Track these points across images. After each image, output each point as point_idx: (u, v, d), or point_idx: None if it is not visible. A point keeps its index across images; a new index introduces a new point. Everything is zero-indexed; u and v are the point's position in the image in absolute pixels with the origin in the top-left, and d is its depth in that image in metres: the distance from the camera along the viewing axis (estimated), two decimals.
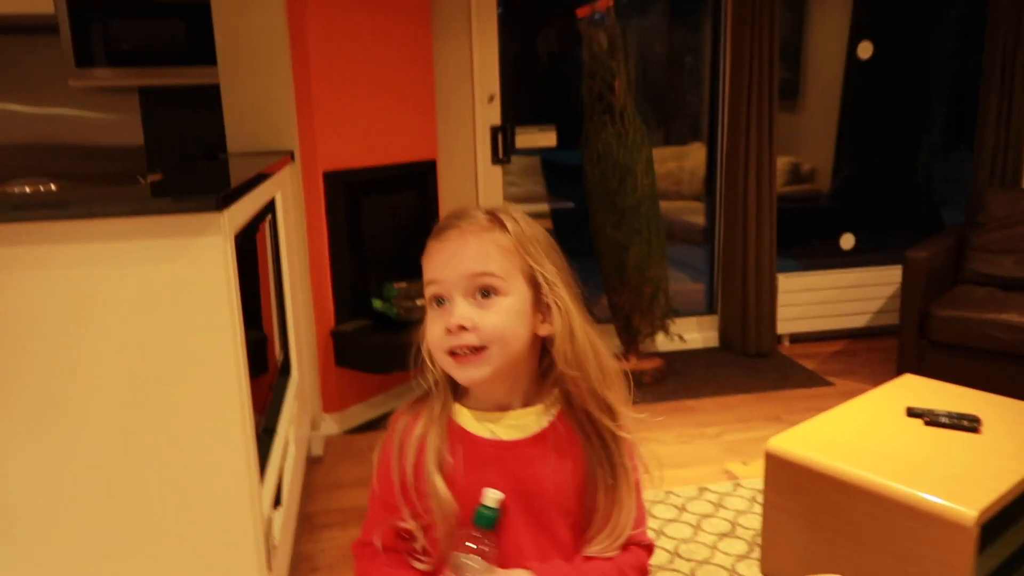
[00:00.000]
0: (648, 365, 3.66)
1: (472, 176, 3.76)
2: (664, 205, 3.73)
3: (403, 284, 3.19)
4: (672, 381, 3.67)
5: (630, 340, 3.71)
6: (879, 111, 4.74)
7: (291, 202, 2.91)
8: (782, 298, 4.05)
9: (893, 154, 5.00)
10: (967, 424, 2.07)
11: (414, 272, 3.48)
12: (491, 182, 3.79)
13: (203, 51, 3.17)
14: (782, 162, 4.84)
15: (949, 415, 2.11)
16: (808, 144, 5.04)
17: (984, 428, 2.08)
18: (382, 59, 3.17)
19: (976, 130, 4.08)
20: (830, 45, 4.74)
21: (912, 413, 2.16)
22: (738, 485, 2.68)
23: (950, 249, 3.59)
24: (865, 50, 4.22)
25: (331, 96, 2.99)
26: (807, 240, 4.64)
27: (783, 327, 4.11)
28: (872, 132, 4.86)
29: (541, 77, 4.38)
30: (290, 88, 2.92)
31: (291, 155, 2.89)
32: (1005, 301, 3.27)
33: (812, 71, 4.87)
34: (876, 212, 4.84)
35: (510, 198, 5.56)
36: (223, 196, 1.47)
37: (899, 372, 3.40)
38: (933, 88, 5.04)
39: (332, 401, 3.17)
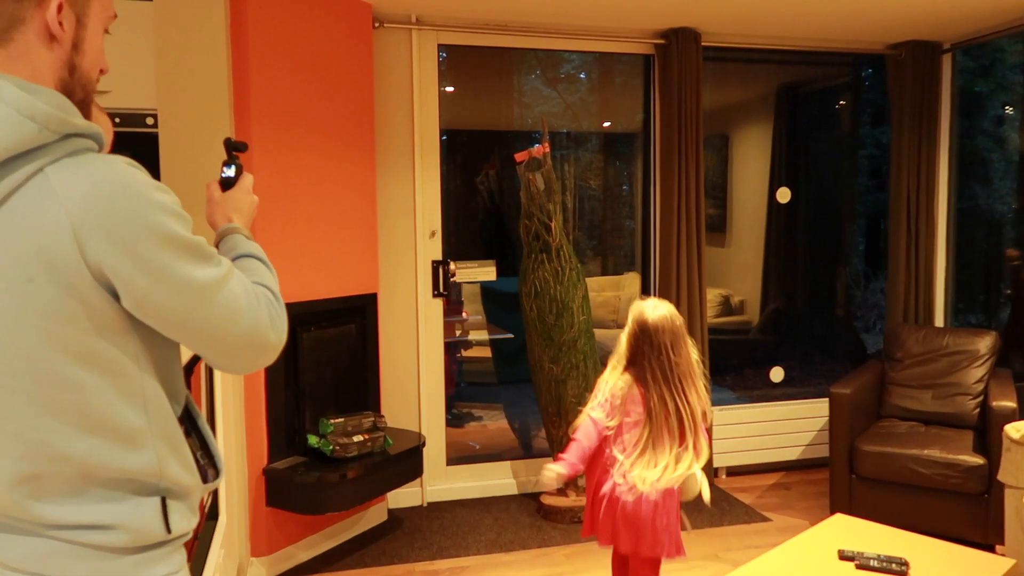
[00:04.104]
0: None
1: (413, 309, 3.81)
2: (602, 333, 3.83)
3: (339, 419, 3.15)
4: None
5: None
6: (801, 248, 5.04)
7: None
8: (718, 431, 4.12)
9: (816, 288, 5.28)
10: (895, 568, 2.10)
11: (352, 406, 3.44)
12: (432, 315, 3.84)
13: None
14: (713, 294, 5.05)
15: (879, 558, 2.15)
16: (737, 277, 5.29)
17: (911, 572, 2.12)
18: (326, 195, 3.26)
19: (888, 270, 4.36)
20: (753, 186, 5.08)
21: (844, 556, 2.19)
22: None
23: (872, 384, 3.75)
24: (784, 195, 4.53)
25: (274, 232, 3.04)
26: (740, 370, 4.78)
27: (719, 460, 4.16)
28: (795, 267, 5.15)
29: (481, 212, 4.55)
30: None
31: None
32: (926, 436, 3.40)
33: (738, 209, 5.19)
34: (803, 344, 5.04)
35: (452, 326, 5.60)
36: None
37: (831, 507, 3.46)
38: (850, 223, 5.40)
39: (261, 544, 3.04)
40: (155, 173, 3.06)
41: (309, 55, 3.16)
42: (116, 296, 0.97)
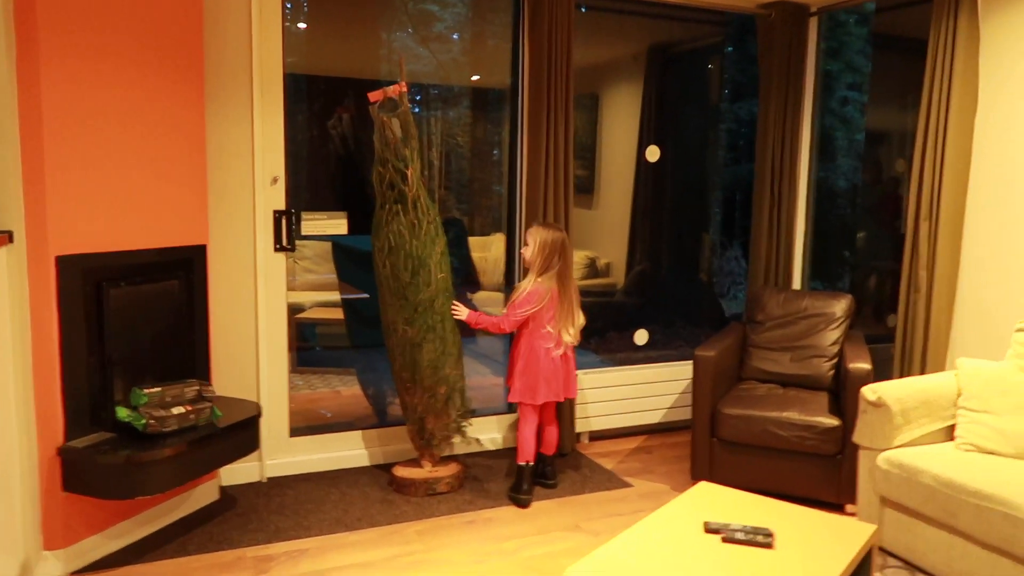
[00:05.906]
0: (443, 472, 3.39)
1: (251, 264, 3.38)
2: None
3: (155, 389, 2.72)
4: (469, 488, 3.41)
5: (424, 444, 3.42)
6: (667, 212, 4.97)
7: (7, 292, 2.38)
8: (580, 395, 3.98)
9: (680, 252, 5.26)
10: (761, 540, 1.99)
11: (176, 374, 3.00)
12: (273, 271, 3.43)
13: None
14: (579, 256, 4.90)
15: (744, 529, 2.03)
16: (604, 239, 5.17)
17: (777, 542, 2.02)
18: (142, 134, 2.77)
19: (751, 235, 4.35)
20: (621, 148, 4.95)
21: (709, 529, 2.06)
22: None
23: (734, 347, 3.71)
24: (653, 154, 4.41)
25: (71, 168, 2.54)
26: (604, 333, 4.67)
27: (582, 425, 4.03)
28: (661, 231, 5.09)
29: (332, 161, 4.15)
30: (16, 154, 2.44)
31: (9, 235, 2.39)
32: (784, 398, 3.38)
33: (605, 171, 5.04)
34: (667, 307, 5.01)
35: (305, 285, 5.17)
36: None
37: (693, 471, 3.40)
38: (712, 191, 5.42)
39: (55, 536, 2.58)
40: None
41: None
42: None
